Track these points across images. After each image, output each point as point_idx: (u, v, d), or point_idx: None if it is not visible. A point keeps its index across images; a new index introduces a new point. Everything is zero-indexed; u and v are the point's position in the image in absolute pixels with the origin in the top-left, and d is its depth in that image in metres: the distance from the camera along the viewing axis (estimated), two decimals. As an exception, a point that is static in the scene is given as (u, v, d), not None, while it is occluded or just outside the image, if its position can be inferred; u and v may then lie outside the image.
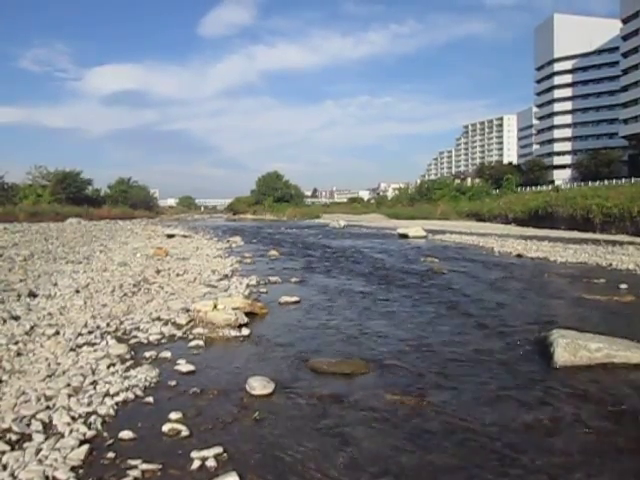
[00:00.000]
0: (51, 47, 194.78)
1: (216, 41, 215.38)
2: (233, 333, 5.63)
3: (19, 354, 4.57)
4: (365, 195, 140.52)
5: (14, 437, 3.04)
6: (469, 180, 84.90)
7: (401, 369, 4.51)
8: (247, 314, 6.19)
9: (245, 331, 5.69)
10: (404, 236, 24.45)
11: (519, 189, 64.23)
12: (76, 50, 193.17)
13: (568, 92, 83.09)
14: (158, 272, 10.03)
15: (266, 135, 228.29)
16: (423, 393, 3.94)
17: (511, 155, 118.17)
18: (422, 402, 3.77)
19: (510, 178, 68.66)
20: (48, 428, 3.18)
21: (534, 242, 19.76)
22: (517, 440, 3.18)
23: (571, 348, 4.66)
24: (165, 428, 3.22)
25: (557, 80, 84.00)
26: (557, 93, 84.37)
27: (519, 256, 14.86)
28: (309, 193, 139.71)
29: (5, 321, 5.69)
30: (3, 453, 2.84)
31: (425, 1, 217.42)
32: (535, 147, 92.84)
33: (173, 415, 3.39)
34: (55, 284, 8.37)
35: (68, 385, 3.81)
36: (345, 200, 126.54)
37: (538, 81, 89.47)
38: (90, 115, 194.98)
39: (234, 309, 6.09)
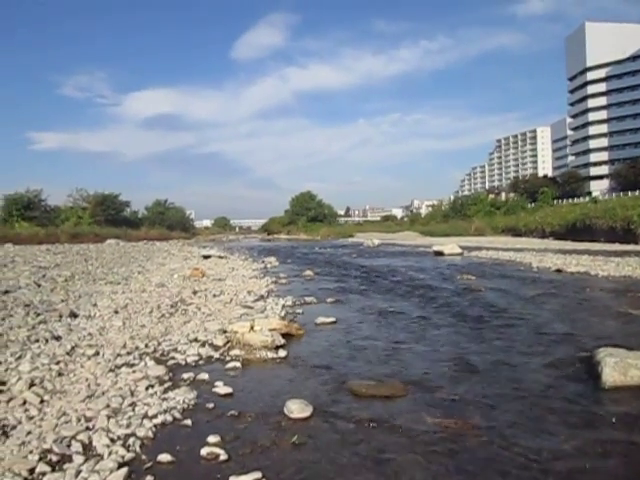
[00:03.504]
0: (92, 74, 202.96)
1: (250, 64, 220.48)
2: (270, 355, 5.60)
3: (60, 374, 4.63)
4: (398, 213, 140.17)
5: (55, 458, 3.06)
6: (503, 195, 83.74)
7: (441, 391, 4.38)
8: (284, 335, 6.16)
9: (282, 353, 5.65)
10: (439, 253, 24.15)
11: (555, 202, 62.93)
12: (115, 76, 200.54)
13: (603, 101, 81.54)
14: (195, 293, 10.13)
15: (299, 155, 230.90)
16: (465, 416, 3.81)
17: (546, 168, 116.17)
18: (464, 425, 3.64)
19: (546, 191, 67.36)
20: (88, 449, 3.19)
21: (573, 256, 19.25)
22: (565, 467, 3.03)
23: (620, 367, 4.44)
24: (203, 452, 3.19)
25: (591, 89, 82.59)
26: (591, 102, 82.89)
27: (558, 271, 14.46)
28: (342, 212, 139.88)
29: (47, 341, 5.81)
30: (44, 474, 2.86)
31: (455, 16, 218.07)
32: (570, 158, 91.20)
33: (211, 438, 3.36)
34: (95, 305, 8.53)
35: (107, 406, 3.83)
36: (378, 218, 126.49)
37: (571, 91, 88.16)
38: (128, 139, 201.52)
39: (271, 330, 6.06)
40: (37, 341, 5.76)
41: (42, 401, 3.94)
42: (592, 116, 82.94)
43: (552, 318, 7.74)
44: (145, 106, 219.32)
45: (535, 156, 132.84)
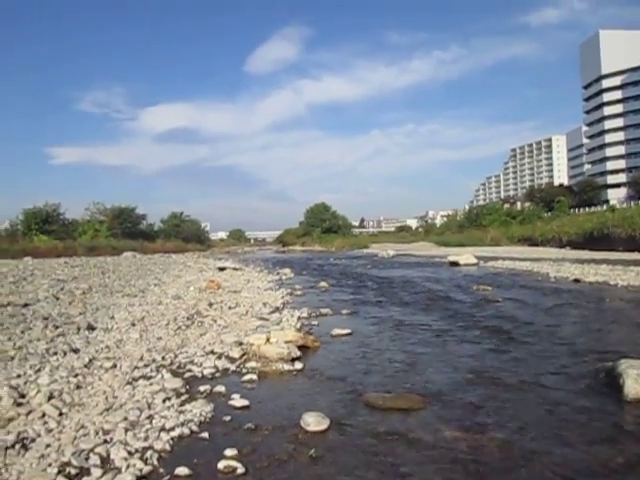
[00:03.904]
0: (109, 90, 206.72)
1: (264, 77, 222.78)
2: (286, 367, 5.59)
3: (78, 387, 4.66)
4: (413, 223, 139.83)
5: (73, 471, 3.07)
6: (519, 204, 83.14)
7: (459, 404, 4.33)
8: (299, 347, 6.15)
9: (298, 365, 5.64)
10: (455, 264, 23.99)
11: (572, 211, 62.27)
12: (131, 92, 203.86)
13: (619, 108, 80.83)
14: (211, 305, 10.16)
15: (313, 167, 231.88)
16: (484, 429, 3.76)
17: (562, 176, 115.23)
18: (483, 438, 3.60)
19: (562, 200, 66.72)
20: (106, 462, 3.20)
21: (591, 265, 18.99)
22: (590, 482, 2.97)
23: (643, 379, 4.35)
24: (220, 465, 3.18)
25: (606, 97, 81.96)
26: (607, 110, 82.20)
27: (577, 281, 14.27)
28: (356, 223, 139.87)
29: (66, 353, 5.86)
30: (63, 488, 2.87)
31: (468, 26, 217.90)
32: (587, 167, 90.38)
33: (228, 452, 3.36)
34: (112, 317, 8.59)
35: (125, 419, 3.84)
36: (393, 229, 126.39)
37: (586, 99, 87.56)
38: (144, 153, 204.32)
39: (287, 342, 6.06)
40: (56, 354, 5.81)
41: (61, 414, 3.97)
42: (608, 124, 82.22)
43: (571, 329, 7.63)
44: (161, 120, 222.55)
45: (551, 165, 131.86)
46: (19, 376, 4.81)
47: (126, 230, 60.38)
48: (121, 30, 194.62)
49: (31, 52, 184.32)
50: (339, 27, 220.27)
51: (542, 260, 23.60)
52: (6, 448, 3.28)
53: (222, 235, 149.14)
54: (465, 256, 25.06)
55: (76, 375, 4.98)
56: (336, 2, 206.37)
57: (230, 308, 9.82)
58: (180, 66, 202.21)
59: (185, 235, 75.66)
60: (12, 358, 5.53)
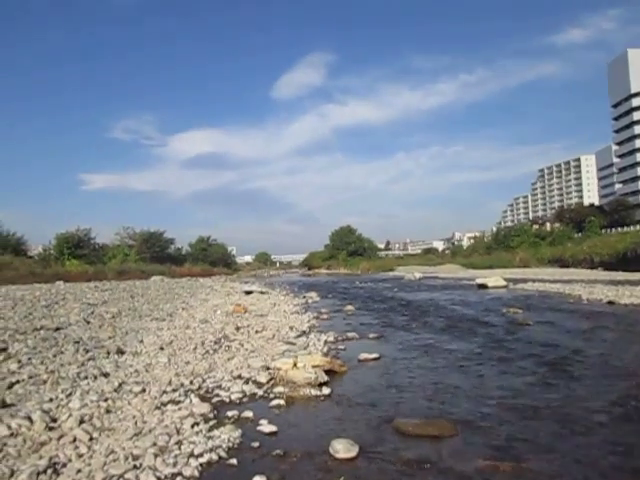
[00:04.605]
0: (139, 118, 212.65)
1: (290, 102, 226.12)
2: (314, 392, 5.54)
3: (108, 411, 4.69)
4: (439, 245, 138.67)
5: (104, 498, 3.08)
6: (548, 225, 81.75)
7: (492, 431, 4.22)
8: (327, 372, 6.10)
9: (325, 390, 5.59)
10: (483, 286, 23.65)
11: (603, 231, 60.91)
12: (161, 119, 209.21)
13: (649, 126, 79.51)
14: (238, 329, 10.19)
15: (339, 190, 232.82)
16: (519, 458, 3.65)
17: (592, 196, 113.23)
18: (519, 468, 3.49)
19: (593, 220, 65.37)
20: (136, 489, 3.20)
21: (626, 287, 18.50)
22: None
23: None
24: (249, 492, 3.15)
25: (637, 115, 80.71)
26: (638, 129, 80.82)
27: (611, 303, 13.90)
28: (382, 246, 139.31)
29: (96, 377, 5.92)
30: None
31: (493, 48, 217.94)
32: (618, 186, 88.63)
33: (257, 479, 3.33)
34: (141, 341, 8.67)
35: (154, 444, 3.85)
36: (419, 251, 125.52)
37: (616, 118, 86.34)
38: (173, 178, 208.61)
39: (314, 367, 6.02)
40: (86, 378, 5.88)
41: (91, 438, 4.00)
42: (639, 142, 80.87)
43: (607, 353, 7.40)
44: (189, 146, 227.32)
45: (580, 185, 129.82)
46: (51, 400, 4.88)
47: (155, 254, 61.28)
48: (152, 61, 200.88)
49: (67, 83, 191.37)
50: (364, 52, 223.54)
51: (573, 282, 23.12)
52: (38, 473, 3.31)
53: (248, 258, 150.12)
54: (494, 278, 24.70)
55: (106, 399, 5.02)
56: (360, 29, 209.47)
57: (257, 332, 9.83)
58: (208, 93, 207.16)
59: (212, 259, 76.35)
60: (45, 382, 5.62)
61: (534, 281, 25.20)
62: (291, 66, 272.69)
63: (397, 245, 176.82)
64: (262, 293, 22.33)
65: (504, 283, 23.79)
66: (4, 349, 7.36)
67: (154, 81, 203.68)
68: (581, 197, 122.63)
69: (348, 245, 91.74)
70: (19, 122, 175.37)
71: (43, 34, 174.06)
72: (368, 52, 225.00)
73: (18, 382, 5.59)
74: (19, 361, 6.63)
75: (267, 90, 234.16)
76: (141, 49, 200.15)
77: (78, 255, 49.57)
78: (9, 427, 4.03)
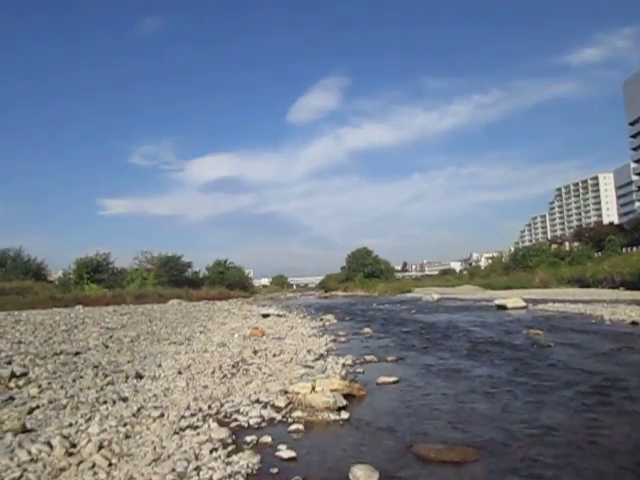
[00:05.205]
0: (158, 143, 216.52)
1: (305, 126, 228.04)
2: (332, 416, 5.49)
3: (127, 436, 4.68)
4: (457, 266, 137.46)
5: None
6: (567, 244, 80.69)
7: (515, 457, 4.12)
8: (345, 396, 6.04)
9: (344, 414, 5.53)
10: (502, 307, 23.34)
11: (624, 250, 59.88)
12: (179, 144, 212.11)
13: (668, 143, 78.73)
14: (255, 352, 10.17)
15: (354, 212, 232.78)
16: (544, 485, 3.56)
17: (611, 215, 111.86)
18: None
19: (613, 239, 64.33)
20: (155, 517, 3.17)
21: (650, 308, 18.09)
22: None
23: None
24: (269, 520, 3.11)
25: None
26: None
27: (634, 324, 13.60)
28: (399, 267, 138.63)
29: (115, 402, 5.94)
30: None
31: (507, 69, 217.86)
32: (637, 204, 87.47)
33: (277, 506, 3.29)
34: (159, 365, 8.69)
35: (173, 470, 3.83)
36: (436, 272, 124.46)
37: (633, 136, 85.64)
38: (190, 202, 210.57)
39: (332, 391, 5.97)
40: (105, 402, 5.90)
41: (110, 464, 3.99)
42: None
43: (632, 375, 7.22)
44: (206, 171, 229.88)
45: (598, 203, 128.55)
46: (71, 425, 4.90)
47: (172, 278, 61.74)
48: (170, 86, 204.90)
49: (86, 110, 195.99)
50: (378, 75, 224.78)
51: (595, 302, 22.72)
52: (58, 499, 3.31)
53: (265, 281, 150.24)
54: (513, 299, 24.38)
55: (125, 424, 5.02)
56: (374, 52, 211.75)
57: (274, 355, 9.80)
58: (226, 118, 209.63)
59: (229, 282, 76.59)
60: (64, 406, 5.65)
61: (554, 301, 24.80)
62: (306, 90, 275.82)
63: (414, 266, 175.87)
64: (279, 316, 22.29)
65: (523, 304, 23.46)
66: (25, 374, 7.42)
67: (171, 107, 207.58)
68: (600, 216, 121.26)
69: (364, 267, 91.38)
70: (41, 149, 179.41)
71: (68, 64, 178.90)
72: (382, 75, 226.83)
73: (38, 407, 5.63)
74: (39, 386, 6.68)
75: (283, 114, 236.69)
76: (160, 77, 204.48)
77: (97, 279, 50.17)
78: (29, 452, 4.05)
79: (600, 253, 61.25)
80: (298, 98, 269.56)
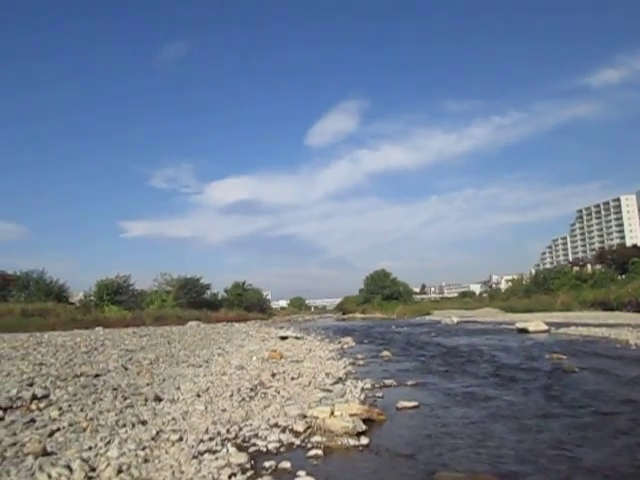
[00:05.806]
0: (178, 167, 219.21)
1: (323, 149, 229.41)
2: (352, 442, 5.41)
3: (146, 460, 4.67)
4: (476, 289, 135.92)
5: None
6: (589, 267, 79.38)
7: (541, 486, 4.01)
8: (365, 420, 5.97)
9: (364, 439, 5.45)
10: (524, 331, 22.94)
11: (649, 272, 58.60)
12: (198, 167, 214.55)
13: (693, 166, 77.57)
14: (274, 375, 10.12)
15: (372, 234, 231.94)
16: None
17: (634, 237, 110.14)
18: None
19: (637, 261, 63.12)
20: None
21: (678, 332, 17.63)
22: None
23: None
24: None
25: (678, 155, 79.01)
26: (680, 169, 78.99)
27: (662, 349, 13.25)
28: (417, 289, 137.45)
29: (134, 425, 5.93)
30: None
31: (526, 91, 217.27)
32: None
33: (296, 534, 3.23)
34: (178, 388, 8.68)
35: (192, 496, 3.80)
36: (455, 295, 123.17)
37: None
38: (209, 224, 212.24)
39: (351, 415, 5.90)
40: (124, 425, 5.90)
41: (128, 489, 3.98)
42: (681, 181, 79.05)
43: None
44: (225, 193, 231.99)
45: (621, 225, 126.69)
46: (90, 448, 4.90)
47: (191, 300, 62.01)
48: (190, 111, 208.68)
49: (108, 135, 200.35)
50: (395, 99, 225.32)
51: (619, 326, 22.20)
52: (77, 524, 3.30)
53: (283, 303, 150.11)
54: (535, 322, 23.97)
55: (144, 448, 5.01)
56: (392, 75, 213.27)
57: (293, 379, 9.73)
58: (245, 142, 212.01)
59: (247, 304, 76.69)
60: (84, 429, 5.66)
61: (577, 325, 24.28)
62: (325, 113, 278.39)
63: (433, 289, 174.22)
64: (297, 338, 22.20)
65: (545, 327, 23.05)
66: (46, 396, 7.47)
67: (191, 131, 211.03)
68: (622, 238, 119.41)
69: (383, 289, 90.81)
70: (63, 174, 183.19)
71: (89, 87, 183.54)
72: (401, 97, 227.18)
73: (59, 429, 5.65)
74: (60, 408, 6.71)
75: (301, 137, 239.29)
76: (181, 102, 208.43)
77: (117, 301, 50.58)
78: (49, 476, 4.06)
79: (624, 276, 60.08)
80: (316, 121, 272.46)
